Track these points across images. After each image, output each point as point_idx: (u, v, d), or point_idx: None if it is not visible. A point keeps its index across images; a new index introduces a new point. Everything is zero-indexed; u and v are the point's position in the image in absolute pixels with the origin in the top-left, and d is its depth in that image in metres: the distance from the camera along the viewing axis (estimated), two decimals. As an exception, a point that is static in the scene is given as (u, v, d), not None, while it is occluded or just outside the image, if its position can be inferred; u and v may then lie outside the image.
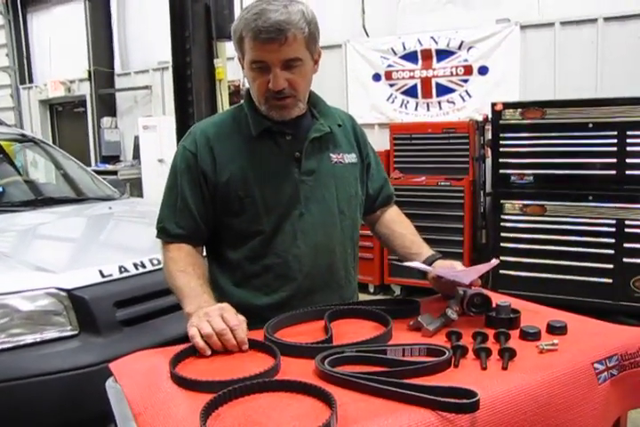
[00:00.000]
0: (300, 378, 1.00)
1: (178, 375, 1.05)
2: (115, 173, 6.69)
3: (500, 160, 4.05)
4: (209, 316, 1.18)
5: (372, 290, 4.73)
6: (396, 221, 1.62)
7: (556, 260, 3.89)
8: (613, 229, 3.72)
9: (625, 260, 3.70)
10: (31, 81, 9.02)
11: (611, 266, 3.74)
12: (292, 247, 1.40)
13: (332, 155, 1.46)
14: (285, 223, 1.40)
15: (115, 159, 7.62)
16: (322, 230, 1.43)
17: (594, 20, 4.34)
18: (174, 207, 1.43)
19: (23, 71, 9.04)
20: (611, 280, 3.74)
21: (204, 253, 1.52)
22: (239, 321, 1.18)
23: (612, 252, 3.73)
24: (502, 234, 4.09)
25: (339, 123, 1.51)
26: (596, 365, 1.09)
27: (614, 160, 3.70)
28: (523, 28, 4.62)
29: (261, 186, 1.39)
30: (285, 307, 1.36)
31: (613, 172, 3.71)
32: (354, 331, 1.26)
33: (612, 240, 3.73)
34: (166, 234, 1.44)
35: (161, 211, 1.46)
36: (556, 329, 1.20)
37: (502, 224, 4.08)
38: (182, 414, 0.94)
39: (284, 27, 1.24)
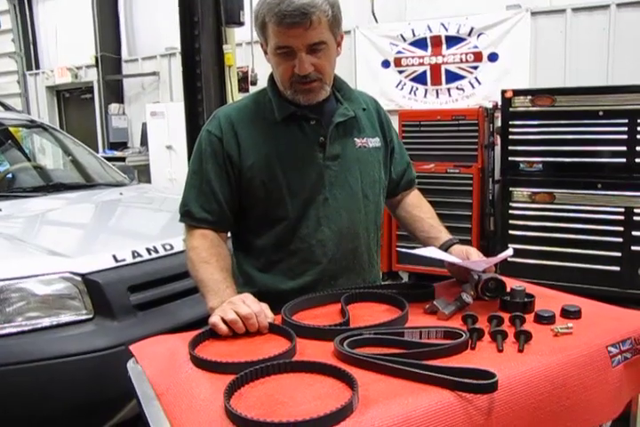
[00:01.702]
0: (319, 359, 1.02)
1: (198, 357, 1.07)
2: (122, 159, 6.71)
3: (510, 148, 4.03)
4: (232, 304, 1.20)
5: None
6: (416, 205, 1.63)
7: (564, 247, 3.89)
8: (622, 218, 3.71)
9: (633, 248, 3.70)
10: (38, 67, 9.00)
11: (619, 254, 3.74)
12: (316, 233, 1.41)
13: (356, 139, 1.46)
14: (310, 209, 1.41)
15: (122, 146, 7.63)
16: (346, 215, 1.44)
17: (606, 7, 4.30)
18: (199, 191, 1.43)
19: (30, 57, 9.03)
20: (618, 268, 3.74)
21: (229, 237, 1.53)
22: (261, 307, 1.20)
23: (620, 240, 3.73)
24: (510, 221, 4.09)
25: (363, 107, 1.50)
26: (610, 348, 1.11)
27: (624, 148, 3.68)
28: (533, 14, 4.59)
29: (286, 171, 1.39)
30: (310, 291, 1.38)
31: (623, 160, 3.69)
32: (370, 314, 1.28)
33: (621, 228, 3.72)
34: (191, 217, 1.43)
35: (185, 195, 1.46)
36: (571, 313, 1.22)
37: (511, 212, 4.08)
38: (205, 393, 0.96)
39: (308, 10, 1.23)
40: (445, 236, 1.52)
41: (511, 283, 1.34)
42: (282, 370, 1.00)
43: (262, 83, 5.07)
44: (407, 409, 0.87)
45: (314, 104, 1.40)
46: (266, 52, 1.38)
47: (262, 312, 1.19)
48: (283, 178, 1.39)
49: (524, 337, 1.08)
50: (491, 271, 1.39)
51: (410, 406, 0.88)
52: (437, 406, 0.88)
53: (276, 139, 1.41)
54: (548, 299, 1.33)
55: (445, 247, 1.48)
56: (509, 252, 1.42)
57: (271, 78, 1.45)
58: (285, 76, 1.34)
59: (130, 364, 1.18)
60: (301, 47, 1.28)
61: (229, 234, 1.53)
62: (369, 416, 0.85)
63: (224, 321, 1.17)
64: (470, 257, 1.42)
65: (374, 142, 1.50)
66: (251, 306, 1.19)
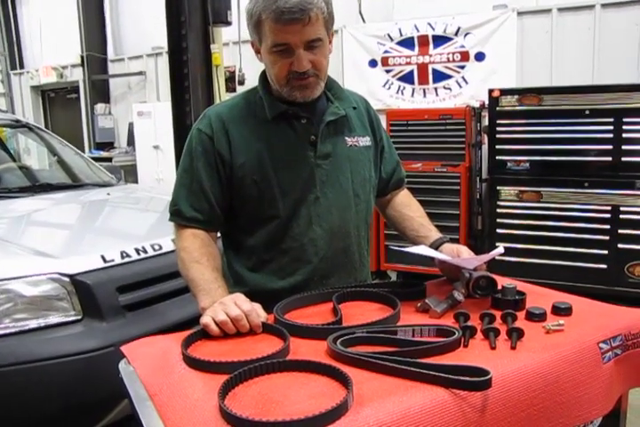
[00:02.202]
0: (313, 358, 1.02)
1: (191, 357, 1.06)
2: (109, 159, 6.66)
3: (497, 146, 4.06)
4: (223, 304, 1.19)
5: (368, 276, 4.75)
6: (405, 204, 1.63)
7: (552, 246, 3.92)
8: (608, 216, 3.75)
9: (620, 246, 3.74)
10: (22, 66, 8.92)
11: (605, 252, 3.78)
12: (307, 231, 1.41)
13: (347, 138, 1.47)
14: (301, 207, 1.40)
15: (109, 146, 7.58)
16: (337, 214, 1.44)
17: (591, 7, 4.35)
18: (189, 190, 1.42)
19: (14, 56, 8.94)
20: (605, 266, 3.78)
21: (219, 237, 1.52)
22: (252, 307, 1.19)
23: (606, 238, 3.77)
24: (498, 220, 4.12)
25: (353, 106, 1.51)
26: (600, 344, 1.12)
27: (610, 147, 3.72)
28: (520, 14, 4.62)
29: (277, 170, 1.39)
30: (301, 290, 1.37)
31: (609, 158, 3.73)
32: (361, 313, 1.28)
33: (607, 226, 3.76)
34: (181, 217, 1.43)
35: (175, 193, 1.45)
36: (562, 310, 1.23)
37: (498, 210, 4.11)
38: (198, 393, 0.96)
39: (306, 7, 1.23)
40: (435, 234, 1.53)
41: (502, 281, 1.34)
42: (276, 369, 1.00)
43: (250, 82, 5.05)
44: (402, 407, 0.87)
45: (305, 102, 1.39)
46: (257, 52, 1.37)
47: (254, 312, 1.18)
48: (274, 176, 1.39)
49: (516, 334, 1.08)
50: (481, 269, 1.40)
51: (404, 404, 0.88)
52: (432, 403, 0.88)
53: (268, 137, 1.40)
54: (539, 296, 1.34)
55: (436, 246, 1.48)
56: (500, 250, 1.43)
57: (262, 77, 1.44)
58: (282, 74, 1.33)
59: (122, 365, 1.17)
60: (299, 44, 1.27)
61: (219, 234, 1.53)
62: (364, 415, 0.85)
63: (215, 322, 1.17)
64: (461, 255, 1.42)
65: (365, 141, 1.50)
66: (242, 306, 1.18)
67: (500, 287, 1.31)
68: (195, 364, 1.05)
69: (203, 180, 1.40)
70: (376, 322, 1.17)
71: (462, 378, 0.90)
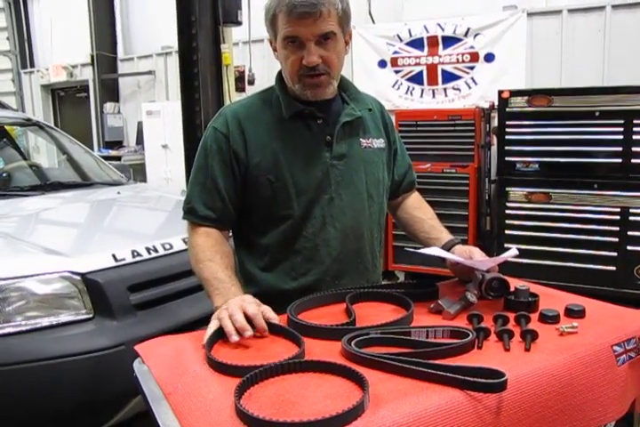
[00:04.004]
0: (327, 359, 1.02)
1: (213, 359, 1.05)
2: (118, 158, 6.69)
3: (506, 147, 4.05)
4: (230, 311, 1.17)
5: (375, 276, 4.75)
6: (416, 206, 1.63)
7: (561, 247, 3.91)
8: (618, 218, 3.73)
9: (629, 248, 3.72)
10: (32, 65, 8.96)
11: (614, 254, 3.76)
12: (321, 232, 1.41)
13: (362, 139, 1.47)
14: (315, 208, 1.41)
15: (118, 145, 7.61)
16: (351, 215, 1.44)
17: (602, 8, 4.33)
18: (203, 188, 1.42)
19: (24, 55, 8.99)
20: (614, 268, 3.77)
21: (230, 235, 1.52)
22: (258, 310, 1.18)
23: (616, 240, 3.75)
24: (507, 221, 4.11)
25: (369, 107, 1.51)
26: (615, 347, 1.12)
27: (620, 149, 3.70)
28: (530, 15, 4.61)
29: (292, 170, 1.39)
30: (313, 291, 1.37)
31: (619, 160, 3.71)
32: (375, 314, 1.28)
33: (617, 228, 3.75)
34: (194, 215, 1.43)
35: (189, 191, 1.45)
36: (575, 313, 1.22)
37: (507, 212, 4.09)
38: (213, 393, 0.96)
39: (318, 1, 1.25)
40: (447, 236, 1.53)
41: (514, 282, 1.34)
42: (291, 370, 1.00)
43: (259, 82, 5.05)
44: (418, 408, 0.87)
45: (321, 103, 1.40)
46: (275, 50, 1.38)
47: (259, 315, 1.16)
48: (289, 176, 1.39)
49: (530, 336, 1.08)
50: (494, 271, 1.40)
51: (420, 405, 0.88)
52: (447, 405, 0.89)
53: (284, 137, 1.41)
54: (552, 298, 1.33)
55: (448, 247, 1.48)
56: (514, 252, 1.42)
57: (279, 76, 1.45)
58: (294, 70, 1.34)
59: (136, 364, 1.17)
60: (310, 37, 1.28)
61: (230, 233, 1.53)
62: (380, 416, 0.85)
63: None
64: (473, 256, 1.42)
65: (379, 143, 1.51)
66: (247, 310, 1.16)
67: (512, 289, 1.31)
68: (212, 366, 1.05)
69: (217, 178, 1.41)
70: (390, 323, 1.17)
71: (478, 380, 0.90)
